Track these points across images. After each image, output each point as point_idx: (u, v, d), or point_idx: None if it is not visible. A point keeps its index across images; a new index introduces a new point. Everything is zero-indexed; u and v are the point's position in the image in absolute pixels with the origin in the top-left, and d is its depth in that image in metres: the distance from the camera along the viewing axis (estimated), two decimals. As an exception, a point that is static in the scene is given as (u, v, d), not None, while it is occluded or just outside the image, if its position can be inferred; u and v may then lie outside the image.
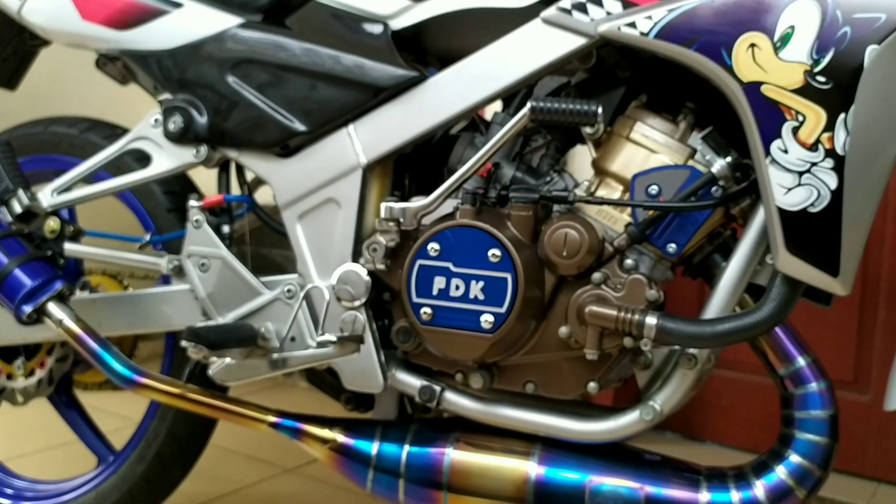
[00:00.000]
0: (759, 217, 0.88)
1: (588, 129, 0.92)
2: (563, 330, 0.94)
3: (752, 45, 0.83)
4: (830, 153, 0.80)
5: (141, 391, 1.09)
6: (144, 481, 1.28)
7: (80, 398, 1.42)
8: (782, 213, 0.82)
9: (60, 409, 1.39)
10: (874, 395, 1.57)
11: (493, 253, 0.91)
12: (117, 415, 1.59)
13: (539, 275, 0.94)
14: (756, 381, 1.63)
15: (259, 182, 1.16)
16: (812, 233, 0.81)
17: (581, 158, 1.06)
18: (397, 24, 1.03)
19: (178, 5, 1.10)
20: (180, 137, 1.09)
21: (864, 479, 1.58)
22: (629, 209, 0.93)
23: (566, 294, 0.94)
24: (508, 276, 0.91)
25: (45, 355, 1.32)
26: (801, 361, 0.94)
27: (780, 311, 0.84)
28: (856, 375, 1.60)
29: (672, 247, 0.92)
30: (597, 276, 0.92)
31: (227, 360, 1.06)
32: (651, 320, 0.87)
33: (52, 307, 1.09)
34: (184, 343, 0.99)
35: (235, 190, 1.14)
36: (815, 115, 0.81)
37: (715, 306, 0.90)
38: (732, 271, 0.90)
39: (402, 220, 0.97)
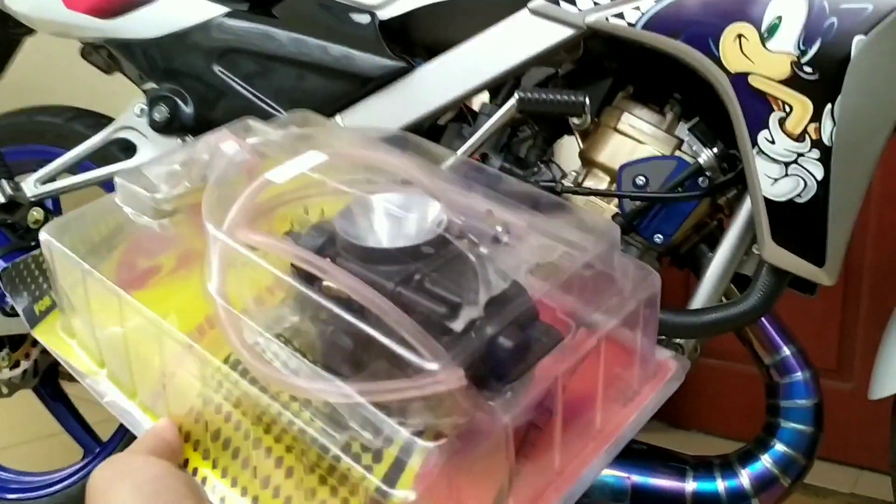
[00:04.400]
0: (745, 207, 0.89)
1: (575, 120, 0.92)
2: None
3: (740, 36, 0.83)
4: (817, 144, 0.81)
5: (127, 383, 1.08)
6: (131, 472, 1.27)
7: (67, 389, 1.41)
8: (769, 203, 0.82)
9: (46, 400, 1.39)
10: (857, 384, 1.58)
11: (481, 243, 0.91)
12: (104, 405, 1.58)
13: (527, 265, 0.94)
14: (742, 369, 1.64)
15: (246, 172, 1.16)
16: (798, 223, 0.82)
17: (569, 149, 1.06)
18: (385, 14, 1.02)
19: (163, -7, 1.09)
20: (165, 127, 1.08)
21: (847, 466, 1.60)
22: (616, 200, 0.93)
23: (554, 284, 0.94)
24: (496, 267, 0.91)
25: (29, 346, 1.31)
26: (786, 351, 0.95)
27: (766, 301, 0.84)
28: (839, 364, 1.61)
29: (659, 237, 0.92)
30: (584, 266, 0.92)
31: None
32: (638, 311, 0.87)
33: (37, 298, 1.09)
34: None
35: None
36: (801, 106, 0.81)
37: (701, 296, 0.91)
38: (719, 261, 0.90)
39: (389, 210, 0.97)
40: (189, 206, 0.44)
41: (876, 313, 1.56)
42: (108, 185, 1.24)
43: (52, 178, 1.17)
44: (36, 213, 1.16)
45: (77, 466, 1.32)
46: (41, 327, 0.48)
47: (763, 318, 0.94)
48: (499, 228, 0.39)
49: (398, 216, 0.39)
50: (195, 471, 0.39)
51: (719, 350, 1.66)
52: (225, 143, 0.45)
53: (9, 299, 1.07)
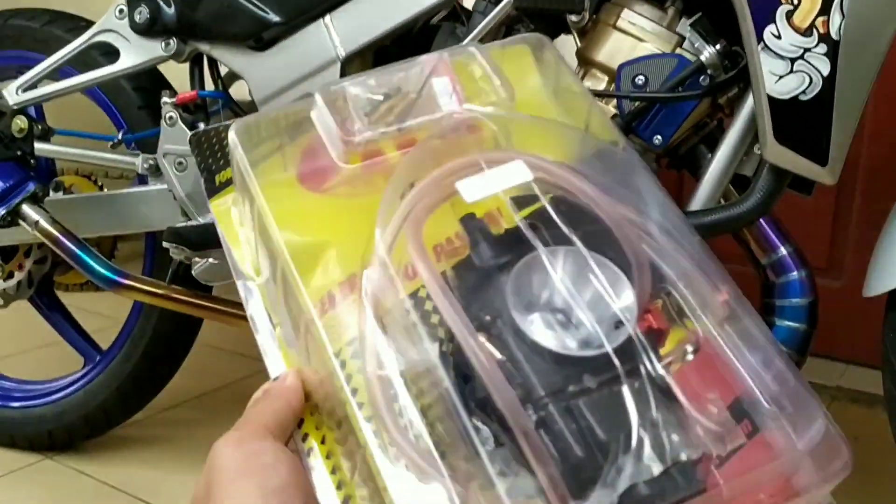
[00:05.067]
0: (747, 106, 0.87)
1: (573, 18, 0.89)
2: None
3: (746, -76, 0.79)
4: (824, 38, 0.78)
5: (124, 292, 1.08)
6: (133, 380, 1.29)
7: (63, 299, 1.41)
8: (772, 101, 0.81)
9: (43, 310, 1.39)
10: (847, 281, 1.60)
11: (478, 147, 0.90)
12: (102, 314, 1.59)
13: (524, 168, 0.92)
14: (735, 269, 1.66)
15: (234, 77, 1.12)
16: (802, 121, 0.80)
17: (566, 49, 1.03)
18: None
19: None
20: (148, 30, 1.04)
21: (834, 360, 1.64)
22: (615, 101, 0.91)
23: (551, 188, 0.93)
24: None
25: (22, 257, 1.31)
26: (782, 251, 0.95)
27: (765, 201, 0.84)
28: (829, 262, 1.63)
29: (658, 138, 0.91)
30: (582, 169, 0.91)
31: (211, 259, 1.06)
32: (637, 213, 0.86)
33: (27, 209, 1.07)
34: (165, 244, 0.98)
35: (209, 86, 1.11)
36: (809, -1, 0.78)
37: (700, 198, 0.90)
38: (718, 162, 0.89)
39: (383, 114, 0.95)
40: (378, 159, 0.39)
41: (869, 212, 1.57)
42: (91, 91, 1.21)
43: (33, 85, 1.13)
44: (20, 122, 1.13)
45: (79, 374, 1.33)
46: (217, 201, 0.45)
47: (760, 218, 0.94)
48: (689, 347, 0.34)
49: (575, 301, 0.33)
50: (306, 436, 0.37)
51: (712, 251, 1.67)
52: (438, 80, 0.40)
53: None
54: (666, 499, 0.30)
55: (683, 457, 0.31)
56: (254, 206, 0.41)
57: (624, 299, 0.34)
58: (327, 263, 0.37)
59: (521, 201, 0.36)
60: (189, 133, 1.05)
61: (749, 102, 0.86)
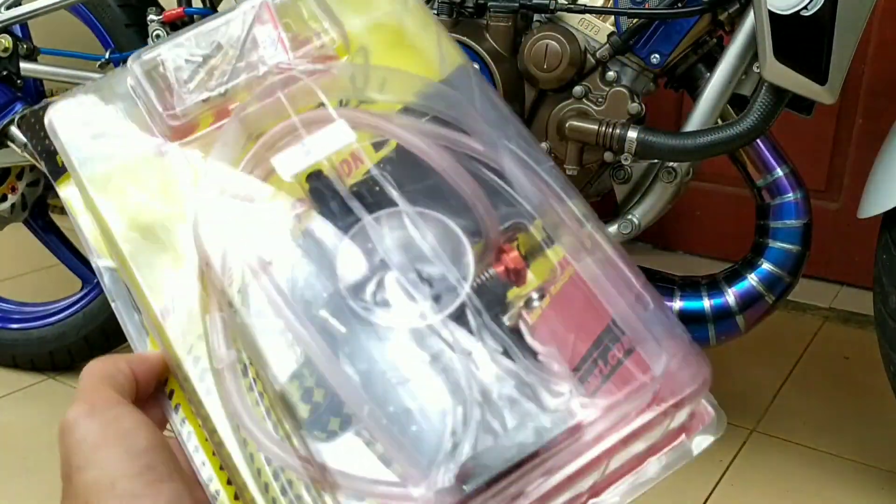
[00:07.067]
0: (747, 23, 0.85)
1: (572, -71, 0.86)
2: (543, 146, 0.92)
3: None
4: (827, -48, 0.76)
5: (118, 215, 1.08)
6: (131, 302, 1.30)
7: (59, 222, 1.41)
8: (773, 17, 0.79)
9: (38, 233, 1.39)
10: (843, 204, 1.60)
11: (472, 66, 0.88)
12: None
13: (518, 89, 0.91)
14: (729, 192, 1.65)
15: (221, -7, 1.10)
16: (803, 38, 0.78)
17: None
18: None
19: None
20: (131, -56, 1.01)
21: (828, 282, 1.65)
22: (612, 18, 0.89)
23: (546, 108, 0.91)
24: (488, 91, 0.88)
25: (15, 180, 1.30)
26: (779, 172, 0.94)
27: (763, 121, 0.83)
28: (828, 184, 1.62)
29: (656, 57, 0.89)
30: (578, 89, 0.90)
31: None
32: (633, 134, 0.85)
33: (16, 130, 1.06)
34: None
35: (197, 3, 1.08)
36: None
37: (697, 118, 0.89)
38: (717, 81, 0.88)
39: (375, 32, 0.93)
40: (200, 132, 0.37)
41: (869, 133, 1.55)
42: (76, 9, 1.18)
43: (16, 3, 1.10)
44: (4, 41, 1.11)
45: (77, 296, 1.34)
46: (64, 183, 0.42)
47: (758, 139, 0.93)
48: (534, 295, 0.32)
49: (403, 271, 0.32)
50: (171, 393, 0.36)
51: (708, 173, 1.66)
52: (261, 29, 0.37)
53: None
54: (508, 460, 0.29)
55: (535, 418, 0.30)
56: (86, 196, 0.38)
57: (459, 256, 0.33)
58: (169, 256, 0.35)
59: (378, 145, 0.35)
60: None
61: (750, 19, 0.84)
